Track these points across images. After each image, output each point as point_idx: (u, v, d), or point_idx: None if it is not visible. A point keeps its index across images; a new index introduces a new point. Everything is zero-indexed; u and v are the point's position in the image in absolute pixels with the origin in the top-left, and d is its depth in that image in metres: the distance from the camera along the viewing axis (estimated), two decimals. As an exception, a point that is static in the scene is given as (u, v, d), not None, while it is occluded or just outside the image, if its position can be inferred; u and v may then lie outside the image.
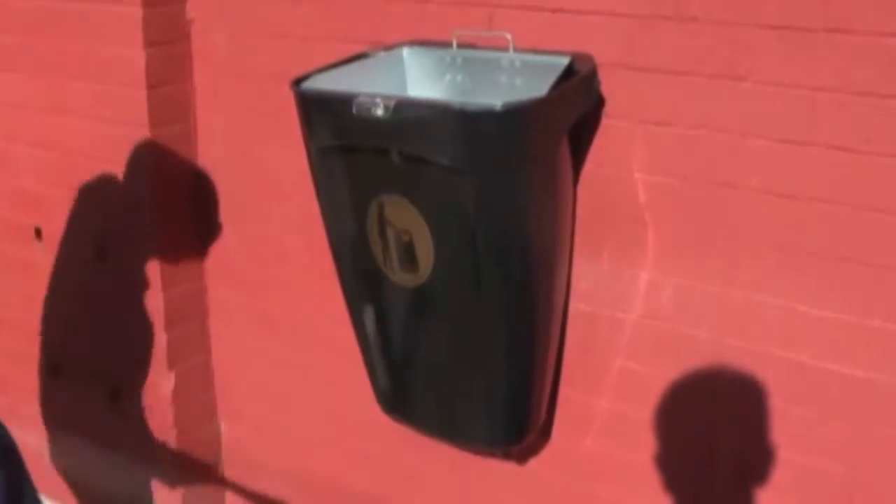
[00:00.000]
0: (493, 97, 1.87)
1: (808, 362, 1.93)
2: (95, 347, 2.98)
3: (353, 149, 1.99)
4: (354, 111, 1.91)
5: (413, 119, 1.88)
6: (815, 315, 1.91)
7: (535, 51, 2.06)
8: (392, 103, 1.87)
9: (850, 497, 1.95)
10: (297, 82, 2.05)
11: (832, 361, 1.91)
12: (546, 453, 2.33)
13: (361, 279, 2.16)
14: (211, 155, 2.75)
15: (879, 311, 1.84)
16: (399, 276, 2.06)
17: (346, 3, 2.37)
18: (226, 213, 2.77)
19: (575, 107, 1.97)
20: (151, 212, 2.71)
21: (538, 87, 1.90)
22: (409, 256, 2.02)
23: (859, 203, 1.82)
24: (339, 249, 2.17)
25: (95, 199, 2.82)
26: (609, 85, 2.03)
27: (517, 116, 1.82)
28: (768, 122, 1.87)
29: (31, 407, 3.24)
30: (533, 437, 2.23)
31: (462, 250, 1.94)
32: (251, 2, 2.56)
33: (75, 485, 3.20)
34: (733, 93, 1.89)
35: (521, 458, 2.37)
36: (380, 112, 1.88)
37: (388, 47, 2.22)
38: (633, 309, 2.12)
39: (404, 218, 1.98)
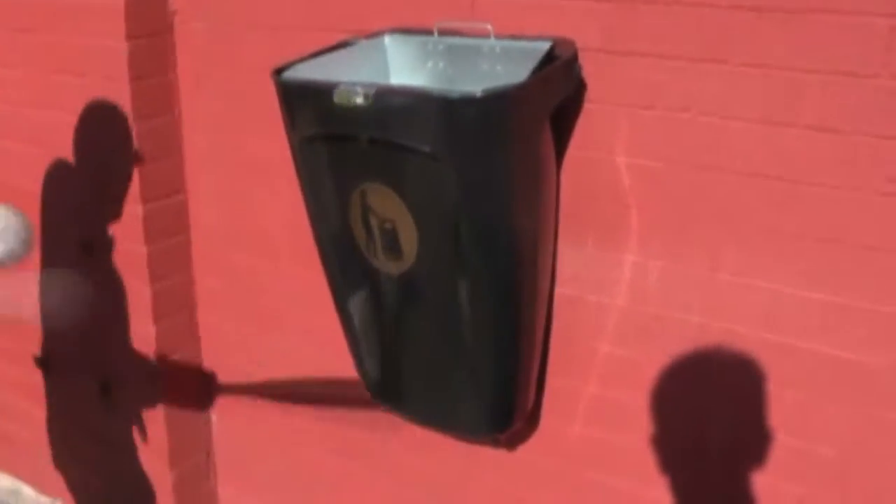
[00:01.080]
0: (475, 84, 1.86)
1: (797, 344, 1.93)
2: (85, 342, 2.97)
3: (335, 137, 1.98)
4: (335, 99, 1.90)
5: (393, 107, 1.87)
6: (801, 297, 1.90)
7: (516, 37, 2.05)
8: (372, 91, 1.86)
9: (841, 479, 1.94)
10: (278, 72, 2.04)
11: (820, 343, 1.90)
12: (535, 440, 2.33)
13: (346, 268, 2.15)
14: (196, 146, 2.74)
15: (865, 291, 1.84)
16: (383, 264, 2.05)
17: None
18: (212, 204, 2.76)
19: (556, 92, 1.96)
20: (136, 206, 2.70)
21: (519, 73, 1.89)
22: (392, 244, 2.01)
23: (842, 184, 1.81)
24: (323, 238, 2.16)
25: (81, 193, 2.81)
26: (591, 69, 2.02)
27: (497, 102, 1.81)
28: (750, 104, 1.86)
29: (23, 402, 3.25)
30: (521, 424, 2.22)
31: (445, 237, 1.93)
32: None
33: (70, 479, 3.20)
34: (715, 75, 1.88)
35: (511, 445, 2.37)
36: (360, 100, 1.87)
37: (370, 35, 2.21)
38: (619, 294, 2.12)
39: (387, 206, 1.97)
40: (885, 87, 1.73)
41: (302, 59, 2.11)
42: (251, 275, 2.76)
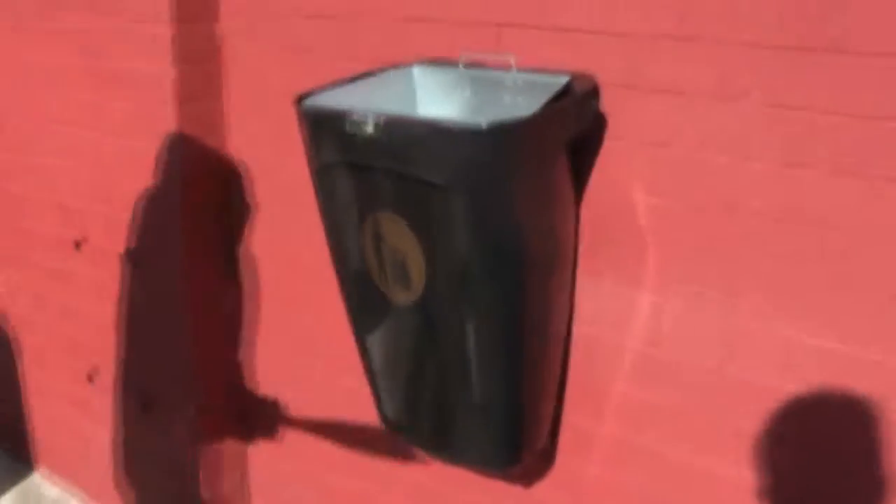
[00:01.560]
0: (497, 115, 1.86)
1: (807, 393, 1.87)
2: (129, 357, 3.04)
3: (349, 165, 1.99)
4: (346, 128, 1.91)
5: (402, 136, 1.87)
6: (813, 345, 1.84)
7: (538, 70, 2.04)
8: (382, 120, 1.87)
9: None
10: (301, 99, 2.06)
11: (835, 394, 1.84)
12: (551, 478, 2.30)
13: (361, 296, 2.16)
14: (242, 167, 2.78)
15: (878, 342, 1.77)
16: (393, 293, 2.05)
17: (366, 24, 2.38)
18: (258, 225, 2.79)
19: (568, 126, 1.94)
20: (181, 223, 2.75)
21: (536, 106, 1.88)
22: (401, 273, 2.01)
23: (862, 229, 1.75)
24: (340, 266, 2.17)
25: (129, 212, 2.87)
26: (611, 105, 2.00)
27: (503, 135, 1.79)
28: (767, 145, 1.82)
29: (69, 412, 3.32)
30: (530, 460, 2.20)
31: (452, 268, 1.92)
32: (278, 21, 2.58)
33: (119, 487, 3.27)
34: (732, 114, 1.85)
35: (527, 481, 2.34)
36: (370, 129, 1.88)
37: (399, 65, 2.22)
38: (635, 333, 2.08)
39: (397, 235, 1.97)
40: (903, 131, 1.68)
41: (329, 87, 2.13)
42: (291, 296, 2.78)
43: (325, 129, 2.01)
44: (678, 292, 2.00)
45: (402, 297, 2.04)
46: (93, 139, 2.91)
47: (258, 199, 2.77)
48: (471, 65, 2.14)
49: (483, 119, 1.79)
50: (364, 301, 2.16)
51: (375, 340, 2.20)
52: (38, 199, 3.19)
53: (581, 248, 2.11)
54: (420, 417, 2.22)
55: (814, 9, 1.72)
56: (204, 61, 2.70)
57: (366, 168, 1.96)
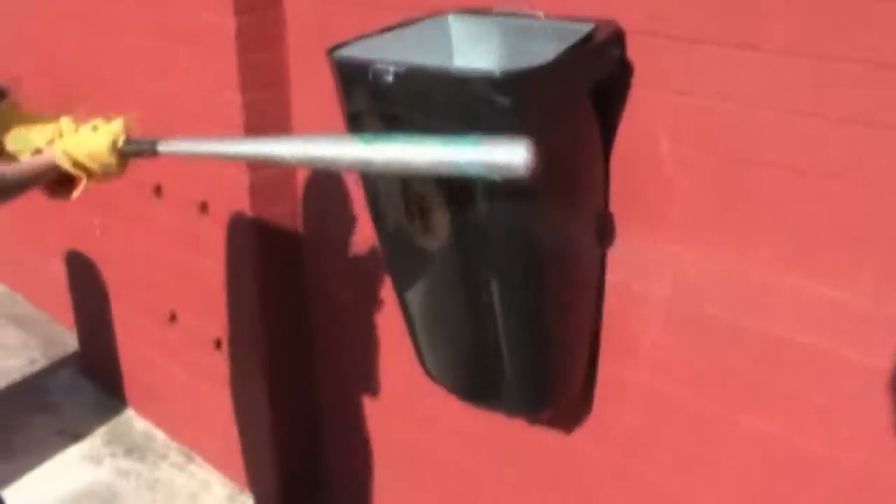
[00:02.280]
0: (523, 63, 1.87)
1: (822, 346, 1.84)
2: (202, 298, 3.16)
3: (376, 114, 2.03)
4: (370, 78, 1.95)
5: (420, 86, 1.90)
6: (828, 297, 1.82)
7: (566, 18, 2.04)
8: (402, 70, 1.90)
9: (859, 489, 1.85)
10: (333, 49, 2.11)
11: (845, 346, 1.81)
12: (587, 425, 2.32)
13: (395, 245, 2.21)
14: (305, 118, 2.85)
15: (891, 295, 1.74)
16: (422, 240, 2.10)
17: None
18: (318, 177, 2.86)
19: (588, 73, 1.94)
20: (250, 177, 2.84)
21: (560, 53, 1.89)
22: (427, 220, 2.05)
23: (873, 181, 1.72)
24: (375, 215, 2.21)
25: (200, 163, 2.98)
26: (637, 52, 1.99)
27: (517, 83, 1.81)
28: (780, 94, 1.79)
29: (153, 350, 3.48)
30: (565, 406, 2.22)
31: (473, 215, 1.95)
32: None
33: (196, 424, 3.42)
34: (747, 62, 1.82)
35: (566, 427, 2.36)
36: (390, 79, 1.91)
37: (434, 14, 2.24)
38: (662, 283, 2.08)
39: (421, 183, 2.01)
40: (915, 80, 1.63)
41: (366, 36, 2.16)
42: (357, 243, 2.83)
43: (352, 79, 2.05)
44: (700, 242, 1.99)
45: (430, 244, 2.08)
46: (165, 88, 3.02)
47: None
48: (503, 13, 2.15)
49: (498, 67, 1.81)
50: (398, 250, 2.21)
51: (411, 291, 2.25)
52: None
53: (611, 196, 2.11)
54: (454, 365, 2.27)
55: (826, -47, 1.68)
56: (264, 10, 2.76)
57: (390, 117, 2.00)
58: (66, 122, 2.06)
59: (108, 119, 2.05)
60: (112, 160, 2.02)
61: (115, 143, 2.02)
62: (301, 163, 2.26)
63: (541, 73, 1.84)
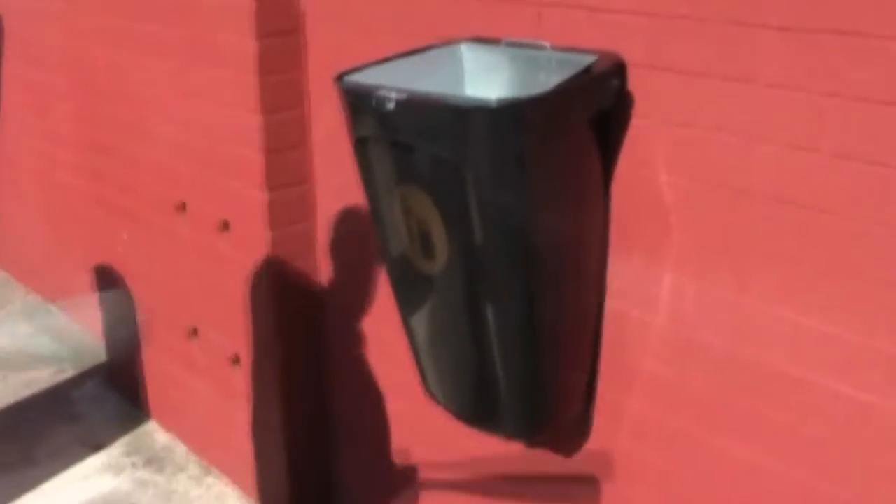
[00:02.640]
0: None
1: (817, 380, 1.86)
2: (221, 314, 3.22)
3: (379, 140, 2.08)
4: (373, 104, 2.00)
5: (419, 113, 1.95)
6: (822, 331, 1.83)
7: (571, 49, 2.07)
8: (403, 97, 1.95)
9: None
10: (343, 75, 2.16)
11: (837, 381, 1.83)
12: (585, 449, 2.34)
13: (398, 269, 2.25)
14: (323, 139, 2.90)
15: (882, 331, 1.75)
16: (422, 264, 2.13)
17: (421, 4, 2.45)
18: (337, 195, 2.91)
19: (587, 104, 1.97)
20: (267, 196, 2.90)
21: (562, 85, 1.92)
22: (427, 244, 2.08)
23: (863, 216, 1.73)
24: (380, 238, 2.26)
25: (220, 176, 3.04)
26: (637, 84, 2.02)
27: (513, 113, 1.85)
28: (776, 127, 1.81)
29: (173, 364, 3.55)
30: (562, 431, 2.25)
31: (471, 241, 1.99)
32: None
33: (214, 439, 3.48)
34: (743, 95, 1.84)
35: (565, 452, 2.38)
36: (392, 106, 1.96)
37: (447, 42, 2.29)
38: (660, 311, 2.10)
39: (422, 207, 2.05)
40: (903, 116, 1.65)
41: (376, 63, 2.21)
42: (372, 265, 2.88)
43: (358, 105, 2.10)
44: (697, 272, 2.01)
45: (429, 268, 2.12)
46: (190, 108, 3.09)
47: (338, 169, 2.87)
48: (511, 44, 2.19)
49: (494, 97, 1.84)
50: (401, 274, 2.25)
51: (413, 314, 2.29)
52: (147, 160, 3.40)
53: (613, 226, 2.14)
54: (454, 388, 2.30)
55: (818, -10, 1.70)
56: (286, 34, 2.82)
57: (393, 143, 2.04)
58: None
59: None
60: None
61: None
62: None
63: (538, 103, 1.87)
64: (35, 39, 4.28)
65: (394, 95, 1.96)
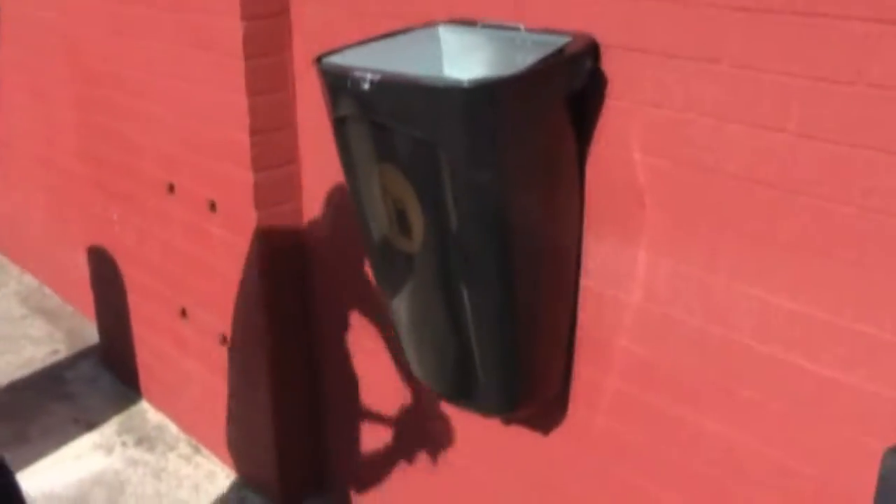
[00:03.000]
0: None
1: (783, 357, 1.88)
2: (210, 294, 3.25)
3: (356, 119, 2.10)
4: (349, 85, 2.02)
5: (394, 94, 1.97)
6: (788, 308, 1.86)
7: (546, 30, 2.10)
8: (377, 78, 1.97)
9: (818, 497, 1.89)
10: (322, 57, 2.18)
11: (803, 358, 1.85)
12: (563, 426, 2.37)
13: (377, 247, 2.27)
14: (309, 120, 2.92)
15: (849, 309, 1.78)
16: (400, 243, 2.16)
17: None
18: (323, 174, 2.93)
19: (559, 84, 1.99)
20: (254, 177, 2.93)
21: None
22: (403, 223, 2.11)
23: (826, 195, 1.75)
24: (359, 216, 2.28)
25: (208, 157, 3.07)
26: (611, 65, 2.04)
27: (485, 92, 1.87)
28: (744, 107, 1.83)
29: (167, 343, 3.58)
30: (540, 408, 2.28)
31: (446, 220, 2.01)
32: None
33: (205, 419, 3.51)
34: (712, 75, 1.86)
35: (543, 429, 2.42)
36: (367, 86, 1.98)
37: (425, 24, 2.31)
38: (634, 290, 2.13)
39: (398, 186, 2.08)
40: (862, 95, 1.67)
41: (356, 45, 2.24)
42: (359, 244, 2.90)
43: (336, 86, 2.12)
44: (670, 251, 2.04)
45: (408, 247, 2.15)
46: (181, 90, 3.11)
47: (325, 149, 2.90)
48: (488, 26, 2.21)
49: (466, 78, 1.87)
50: (381, 253, 2.28)
51: (394, 293, 2.31)
52: (139, 142, 3.42)
53: (587, 205, 2.16)
54: (434, 365, 2.33)
55: (783, -28, 1.72)
56: (271, 16, 2.84)
57: (369, 123, 2.07)
58: None
59: None
60: None
61: None
62: None
63: (510, 83, 1.89)
64: (32, 24, 4.30)
65: (369, 76, 1.98)
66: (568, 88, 2.01)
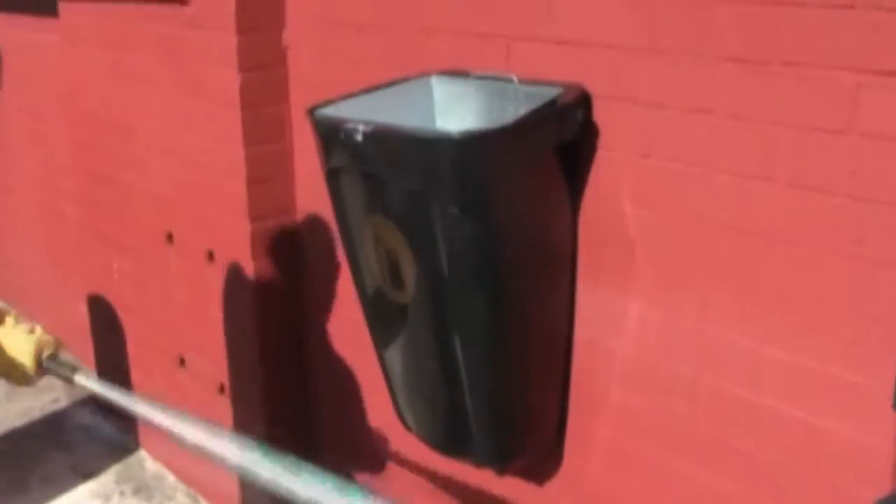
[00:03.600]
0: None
1: (773, 406, 1.88)
2: (207, 343, 3.25)
3: (349, 171, 2.12)
4: (342, 136, 2.04)
5: (386, 145, 1.99)
6: (779, 358, 1.86)
7: (538, 81, 2.11)
8: (370, 129, 1.99)
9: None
10: (315, 108, 2.20)
11: (794, 407, 1.85)
12: (558, 478, 2.36)
13: (371, 299, 2.28)
14: (307, 171, 2.93)
15: (840, 358, 1.77)
16: (393, 295, 2.17)
17: (396, 37, 2.50)
18: (318, 225, 2.95)
19: (551, 135, 2.00)
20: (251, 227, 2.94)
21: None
22: (396, 274, 2.12)
23: (816, 244, 1.76)
24: (352, 267, 2.29)
25: (206, 206, 3.09)
26: (602, 115, 2.05)
27: (475, 144, 1.89)
28: (733, 157, 1.84)
29: (162, 393, 3.57)
30: (529, 460, 2.27)
31: (438, 271, 2.02)
32: (333, 33, 2.72)
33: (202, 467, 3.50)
34: (702, 126, 1.88)
35: (538, 480, 2.40)
36: (359, 138, 2.00)
37: (418, 75, 2.33)
38: (626, 340, 2.13)
39: (391, 237, 2.09)
40: (853, 145, 1.67)
41: (350, 96, 2.26)
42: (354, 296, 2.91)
43: (328, 137, 2.14)
44: (661, 301, 2.04)
45: (400, 299, 2.15)
46: (177, 138, 3.14)
47: (322, 200, 2.91)
48: (480, 77, 2.23)
49: (457, 129, 1.88)
50: (374, 305, 2.28)
51: (387, 345, 2.32)
52: (138, 190, 3.44)
53: (580, 255, 2.17)
54: (426, 417, 2.33)
55: (768, 23, 1.74)
56: (269, 68, 2.87)
57: (361, 174, 2.08)
58: (10, 318, 2.23)
59: (46, 332, 2.21)
60: (31, 367, 2.15)
61: (39, 353, 2.14)
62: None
63: (501, 134, 1.91)
64: (33, 71, 4.35)
65: (361, 128, 2.00)
66: (559, 139, 2.02)
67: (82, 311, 4.13)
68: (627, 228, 2.06)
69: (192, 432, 1.89)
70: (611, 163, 2.06)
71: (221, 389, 3.23)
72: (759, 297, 1.86)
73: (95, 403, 4.16)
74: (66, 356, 2.27)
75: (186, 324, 3.37)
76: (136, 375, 3.79)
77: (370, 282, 2.24)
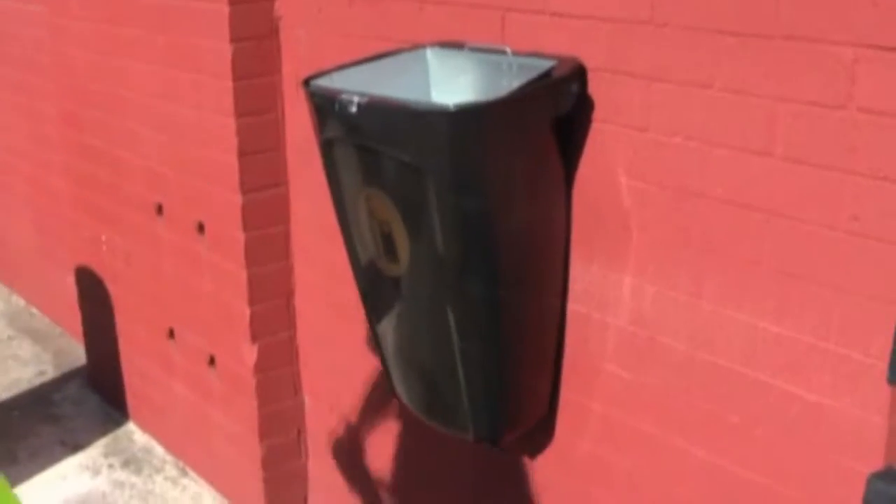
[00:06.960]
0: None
1: (769, 381, 1.88)
2: (197, 316, 3.24)
3: (343, 142, 2.10)
4: (336, 108, 2.02)
5: (380, 117, 1.97)
6: (774, 332, 1.85)
7: (531, 54, 2.10)
8: (364, 101, 1.97)
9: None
10: (310, 79, 2.18)
11: (788, 382, 1.85)
12: (549, 451, 2.36)
13: (363, 268, 2.27)
14: (298, 141, 2.92)
15: (834, 333, 1.77)
16: (386, 266, 2.16)
17: (390, 8, 2.48)
18: (309, 197, 2.93)
19: (545, 108, 1.99)
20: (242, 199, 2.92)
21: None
22: (389, 247, 2.11)
23: (812, 219, 1.75)
24: (346, 239, 2.28)
25: (196, 178, 3.07)
26: (598, 88, 2.04)
27: (470, 116, 1.88)
28: (731, 131, 1.83)
29: (151, 366, 3.57)
30: (521, 433, 2.27)
31: (431, 244, 2.01)
32: (326, 3, 2.70)
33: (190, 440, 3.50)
34: (700, 100, 1.87)
35: (529, 453, 2.40)
36: (354, 109, 1.98)
37: (414, 47, 2.31)
38: (620, 314, 2.12)
39: (384, 210, 2.08)
40: (850, 119, 1.67)
41: (345, 67, 2.24)
42: (346, 266, 2.90)
43: (323, 108, 2.12)
44: (655, 275, 2.03)
45: (393, 271, 2.14)
46: (168, 110, 3.11)
47: (314, 171, 2.90)
48: (475, 49, 2.21)
49: (451, 102, 1.87)
50: (368, 277, 2.28)
51: (380, 318, 2.31)
52: (130, 162, 3.42)
53: (574, 229, 2.16)
54: (414, 386, 2.32)
55: (768, -2, 1.73)
56: (261, 39, 2.84)
57: (356, 146, 2.07)
58: None
59: None
60: None
61: None
62: None
63: (496, 107, 1.90)
64: (22, 43, 4.31)
65: (356, 99, 1.98)
66: (554, 112, 2.01)
67: (70, 282, 4.11)
68: (622, 202, 2.06)
69: None
70: (607, 136, 2.05)
71: (211, 361, 3.22)
72: (755, 271, 1.86)
73: (83, 376, 4.16)
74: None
75: (176, 296, 3.36)
76: (124, 347, 3.78)
77: (364, 254, 2.23)
